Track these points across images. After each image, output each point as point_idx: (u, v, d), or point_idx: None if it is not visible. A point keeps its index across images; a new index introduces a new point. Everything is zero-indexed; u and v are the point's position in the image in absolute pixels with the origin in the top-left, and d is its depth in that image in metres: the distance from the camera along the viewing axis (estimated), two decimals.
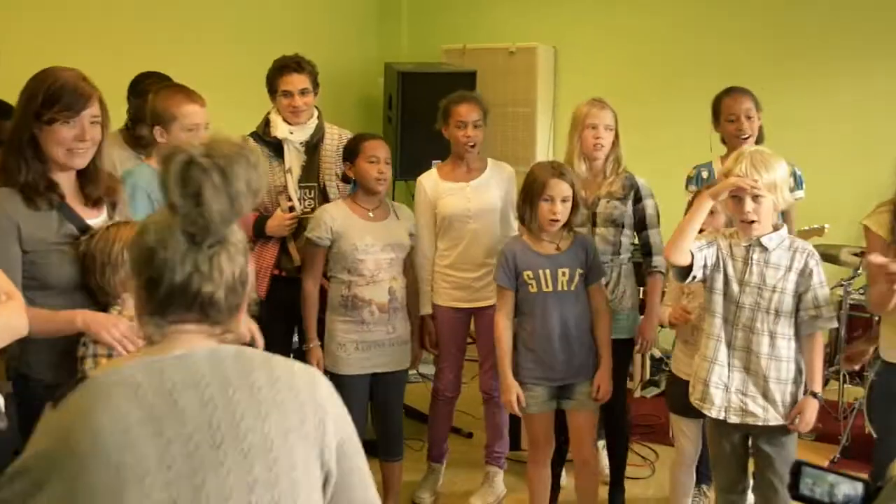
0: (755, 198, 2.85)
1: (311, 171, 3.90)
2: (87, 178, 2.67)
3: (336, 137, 3.97)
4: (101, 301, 2.59)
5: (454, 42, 6.60)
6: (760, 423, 2.95)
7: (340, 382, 3.62)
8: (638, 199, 3.75)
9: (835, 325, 3.02)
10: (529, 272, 3.38)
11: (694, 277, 2.96)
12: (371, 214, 3.67)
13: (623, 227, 3.74)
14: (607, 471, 4.19)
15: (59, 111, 2.51)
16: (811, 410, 2.93)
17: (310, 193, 3.89)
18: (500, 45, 6.48)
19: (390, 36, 7.06)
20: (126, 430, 1.36)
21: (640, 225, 3.77)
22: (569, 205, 3.35)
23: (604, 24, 6.60)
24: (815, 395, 2.93)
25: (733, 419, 2.96)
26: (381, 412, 3.79)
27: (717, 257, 2.97)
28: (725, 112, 3.87)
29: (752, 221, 2.87)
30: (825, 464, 4.51)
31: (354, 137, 3.77)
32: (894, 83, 5.78)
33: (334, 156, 3.93)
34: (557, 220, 3.34)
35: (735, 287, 2.93)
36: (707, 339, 3.00)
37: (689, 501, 3.67)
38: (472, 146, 3.91)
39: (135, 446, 1.36)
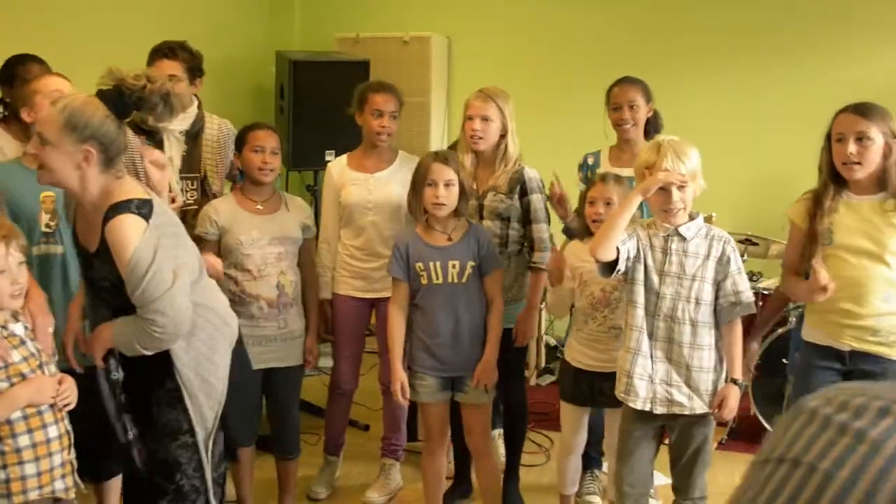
0: (681, 188, 2.89)
1: (192, 161, 3.79)
2: None
3: (216, 127, 3.89)
4: None
5: (347, 30, 6.53)
6: (687, 413, 2.96)
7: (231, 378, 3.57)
8: (524, 194, 3.72)
9: (754, 310, 3.05)
10: (420, 264, 3.36)
11: (618, 271, 2.95)
12: (260, 207, 3.60)
13: (510, 220, 3.72)
14: (503, 459, 4.23)
15: None
16: (734, 398, 2.97)
17: (192, 185, 3.80)
18: (393, 34, 6.43)
19: (282, 23, 6.95)
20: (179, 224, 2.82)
21: (525, 219, 3.74)
22: (454, 189, 3.31)
23: (498, 14, 6.63)
24: (735, 382, 2.98)
25: (659, 410, 2.97)
26: (276, 409, 3.71)
27: (638, 248, 2.97)
28: (612, 101, 3.93)
29: (679, 210, 2.92)
30: (714, 446, 4.63)
31: (244, 127, 3.69)
32: (774, 79, 6.00)
33: (215, 146, 3.85)
34: (442, 205, 3.30)
35: (655, 277, 2.95)
36: (630, 331, 2.99)
37: (577, 487, 3.71)
38: (386, 136, 3.89)
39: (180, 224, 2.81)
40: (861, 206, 2.94)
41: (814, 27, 6.03)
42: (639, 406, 2.98)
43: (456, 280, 3.35)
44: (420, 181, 3.35)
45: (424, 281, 3.36)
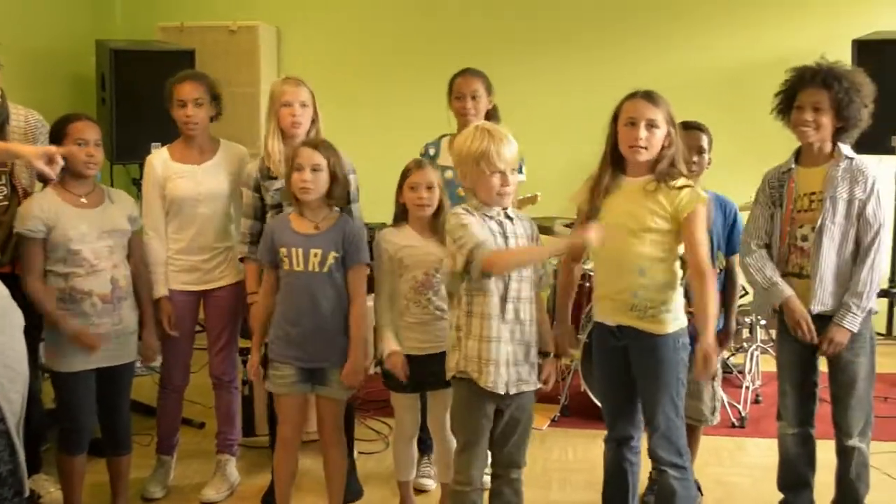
0: (513, 170, 2.98)
1: None
2: None
3: (22, 118, 3.72)
4: None
5: (171, 19, 6.38)
6: (531, 390, 3.07)
7: (65, 381, 3.43)
8: None
9: (552, 281, 3.20)
10: (284, 249, 3.34)
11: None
12: (84, 200, 3.46)
13: None
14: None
15: None
16: (555, 370, 3.16)
17: (0, 180, 3.61)
18: (220, 23, 6.33)
19: (102, 11, 6.70)
20: None
21: None
22: (322, 175, 3.31)
23: (327, 3, 6.61)
24: (554, 355, 3.15)
25: (513, 391, 3.03)
26: (107, 407, 3.58)
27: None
28: (455, 90, 4.03)
29: (511, 194, 3.02)
30: (546, 423, 4.79)
31: (61, 119, 3.52)
32: (597, 63, 6.28)
33: (22, 138, 3.68)
34: (308, 189, 3.30)
35: None
36: (485, 320, 2.99)
37: (414, 472, 3.76)
38: (192, 125, 3.81)
39: None
40: (629, 186, 3.08)
41: (633, 15, 6.32)
42: (501, 391, 3.02)
43: (316, 269, 3.33)
44: (290, 166, 3.33)
45: (286, 267, 3.34)
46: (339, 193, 3.41)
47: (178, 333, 3.87)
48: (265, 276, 3.42)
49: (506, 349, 3.01)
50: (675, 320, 3.06)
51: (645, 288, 3.02)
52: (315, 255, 3.34)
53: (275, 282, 3.40)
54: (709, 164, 3.61)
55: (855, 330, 3.21)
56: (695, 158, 3.51)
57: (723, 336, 3.65)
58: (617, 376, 3.18)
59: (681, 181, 3.02)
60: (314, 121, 3.72)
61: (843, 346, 3.23)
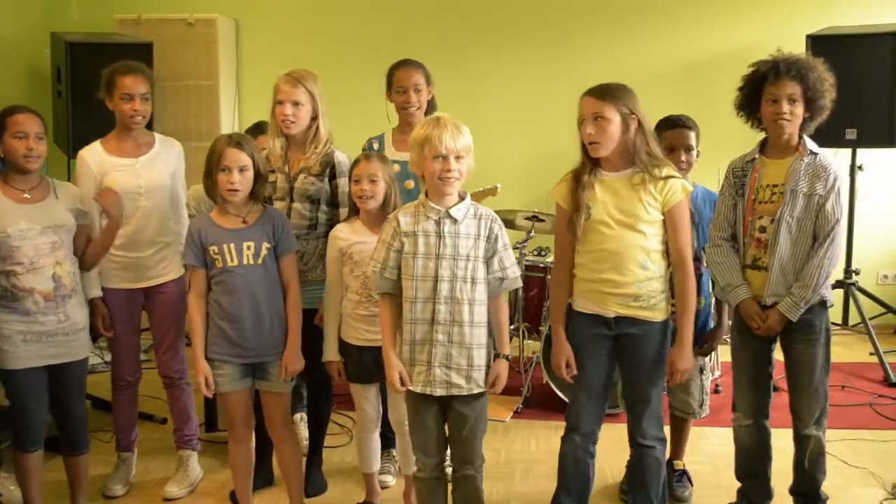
0: (458, 158, 2.96)
1: None
2: None
3: None
4: None
5: (128, 11, 6.33)
6: (465, 394, 3.05)
7: (11, 378, 3.38)
8: (333, 176, 3.75)
9: (520, 284, 3.18)
10: (215, 247, 3.32)
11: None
12: (27, 196, 3.39)
13: (319, 202, 3.74)
14: (306, 443, 4.23)
15: None
16: (505, 372, 3.10)
17: None
18: (177, 15, 6.29)
19: (58, 3, 6.61)
20: None
21: (333, 202, 3.78)
22: (248, 175, 3.31)
23: None
24: (504, 356, 3.10)
25: (438, 392, 3.04)
26: (60, 405, 3.54)
27: (402, 248, 3.02)
28: (396, 84, 3.99)
29: (455, 180, 2.97)
30: (509, 415, 4.82)
31: (0, 112, 3.46)
32: (555, 63, 6.31)
33: None
34: (236, 190, 3.29)
35: (431, 263, 2.99)
36: (406, 324, 3.03)
37: (379, 464, 3.76)
38: (139, 120, 3.78)
39: None
40: (613, 182, 3.13)
41: (593, 11, 6.37)
42: (419, 390, 3.05)
43: (251, 262, 3.33)
44: (214, 166, 3.31)
45: (220, 264, 3.32)
46: (261, 190, 3.41)
47: (112, 334, 3.86)
48: (195, 278, 3.38)
49: (426, 349, 3.02)
50: (668, 306, 3.16)
51: (648, 279, 3.10)
52: (248, 247, 3.34)
53: (204, 283, 3.38)
54: (697, 156, 3.65)
55: (794, 318, 3.25)
56: (683, 157, 3.57)
57: (715, 331, 3.73)
58: (601, 367, 3.22)
59: (665, 170, 3.10)
60: (314, 118, 3.71)
61: (776, 331, 3.30)
